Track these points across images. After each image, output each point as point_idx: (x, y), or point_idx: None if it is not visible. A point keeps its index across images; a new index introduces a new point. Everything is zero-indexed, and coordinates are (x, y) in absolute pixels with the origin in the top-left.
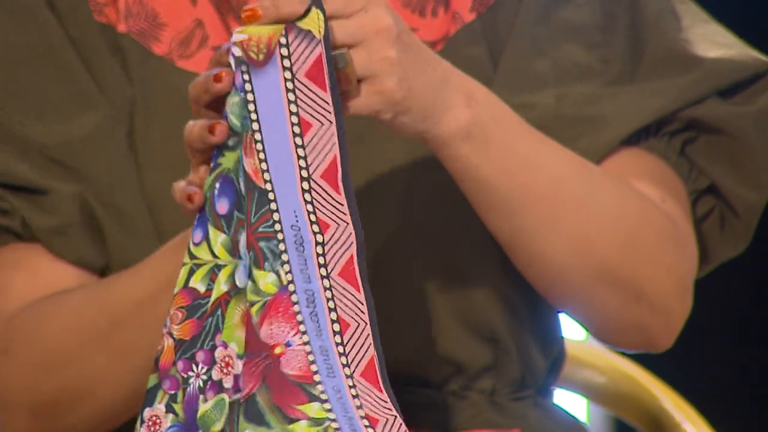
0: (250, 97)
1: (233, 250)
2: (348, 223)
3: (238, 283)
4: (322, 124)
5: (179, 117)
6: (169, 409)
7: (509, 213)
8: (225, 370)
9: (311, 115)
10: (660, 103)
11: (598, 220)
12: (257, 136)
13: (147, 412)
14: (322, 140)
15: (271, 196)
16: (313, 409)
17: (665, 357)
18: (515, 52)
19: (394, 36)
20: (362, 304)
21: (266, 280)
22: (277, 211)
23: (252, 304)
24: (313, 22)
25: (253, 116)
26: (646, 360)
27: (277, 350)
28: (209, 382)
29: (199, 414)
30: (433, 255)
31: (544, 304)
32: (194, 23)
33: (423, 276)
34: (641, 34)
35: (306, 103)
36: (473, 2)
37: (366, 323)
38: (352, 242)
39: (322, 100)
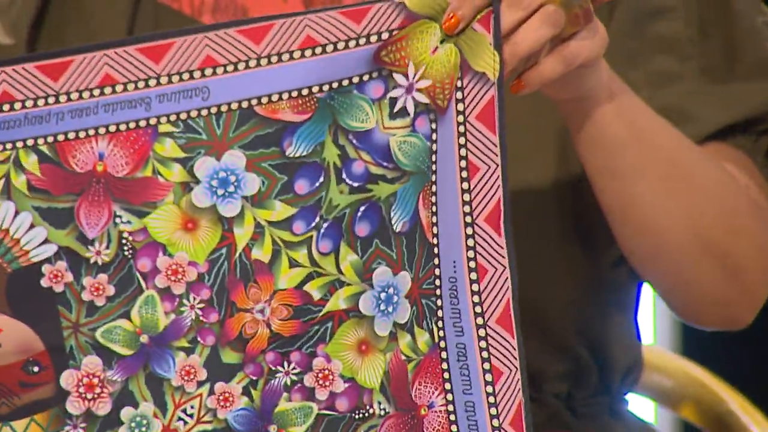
0: (434, 147)
1: (363, 275)
2: (505, 267)
3: (363, 311)
4: (489, 167)
5: None
6: (246, 392)
7: (632, 180)
8: (321, 382)
9: (479, 158)
10: (750, 104)
11: (706, 195)
12: (434, 188)
13: (220, 386)
14: (488, 184)
15: (435, 250)
16: None
17: (733, 360)
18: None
19: None
20: (515, 349)
21: (422, 339)
22: (438, 266)
23: (409, 361)
24: (487, 64)
25: (434, 167)
26: (713, 363)
27: (422, 411)
28: (298, 384)
29: (277, 409)
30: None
31: (622, 312)
32: None
33: None
34: (735, 44)
35: (475, 146)
36: None
37: (517, 368)
38: (508, 287)
39: (491, 142)
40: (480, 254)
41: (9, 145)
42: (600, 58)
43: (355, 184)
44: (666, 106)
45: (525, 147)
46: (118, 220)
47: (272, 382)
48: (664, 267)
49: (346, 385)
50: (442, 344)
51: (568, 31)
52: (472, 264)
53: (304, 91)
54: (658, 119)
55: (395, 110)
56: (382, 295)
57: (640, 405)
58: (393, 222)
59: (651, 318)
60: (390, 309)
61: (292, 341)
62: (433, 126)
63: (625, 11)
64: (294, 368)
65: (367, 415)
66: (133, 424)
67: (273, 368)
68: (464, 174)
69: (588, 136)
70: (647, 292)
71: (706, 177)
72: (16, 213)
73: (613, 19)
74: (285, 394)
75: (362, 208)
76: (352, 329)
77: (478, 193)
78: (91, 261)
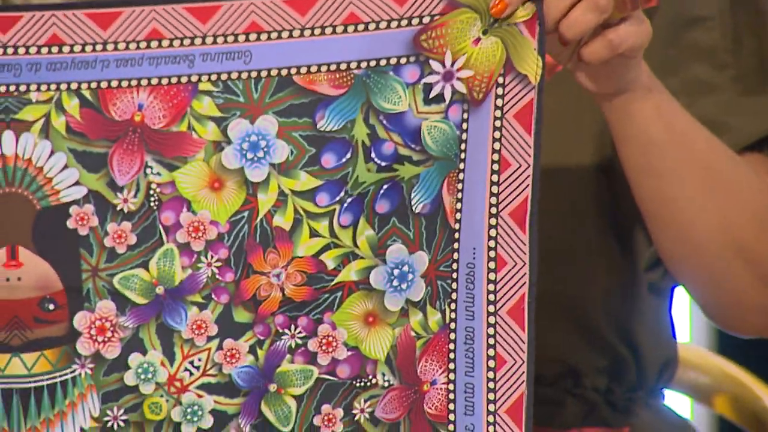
0: (464, 136)
1: (377, 250)
2: (525, 263)
3: (374, 284)
4: (520, 165)
5: None
6: (252, 350)
7: (668, 180)
8: (324, 348)
9: (511, 154)
10: None
11: (741, 199)
12: (461, 176)
13: (228, 343)
14: (517, 180)
15: (456, 235)
16: None
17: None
18: None
19: None
20: (524, 342)
21: (434, 318)
22: (457, 250)
23: (419, 338)
24: (531, 68)
25: (462, 155)
26: (749, 361)
27: (425, 387)
28: (302, 348)
29: (279, 369)
30: (546, 263)
31: (658, 310)
32: None
33: (541, 280)
34: None
35: (509, 143)
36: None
37: (523, 361)
38: (525, 282)
39: (525, 142)
40: (501, 246)
41: (53, 86)
42: (643, 47)
43: (383, 164)
44: (702, 116)
45: (566, 145)
46: (148, 170)
47: (277, 343)
48: (697, 269)
49: (350, 353)
50: (452, 326)
51: (615, 17)
52: (492, 254)
53: (343, 66)
54: (694, 123)
55: (431, 96)
56: (395, 271)
57: (676, 401)
58: (413, 203)
59: (687, 317)
60: (404, 286)
61: (301, 306)
62: (465, 116)
63: (664, 19)
64: (300, 332)
65: (369, 384)
66: (139, 370)
67: (280, 330)
68: (495, 167)
69: (627, 134)
70: (682, 292)
71: (741, 183)
72: (52, 153)
73: (651, 26)
74: (288, 356)
75: (385, 187)
76: (360, 301)
77: (507, 187)
78: (118, 208)
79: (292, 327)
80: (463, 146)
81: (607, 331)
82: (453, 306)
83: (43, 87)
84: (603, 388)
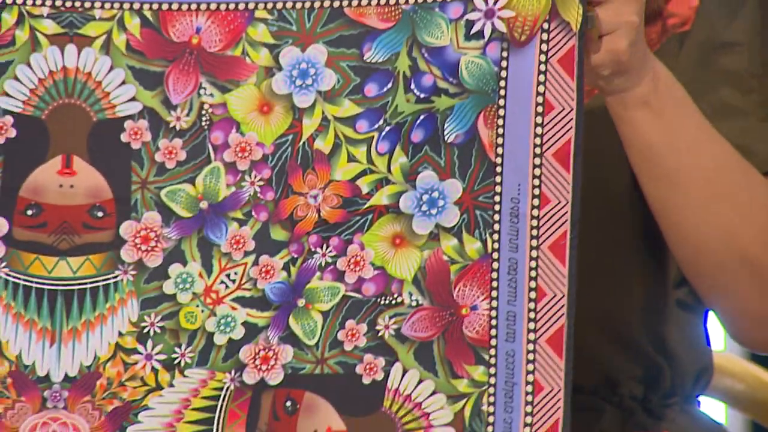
0: (503, 73)
1: (409, 176)
2: (568, 201)
3: (403, 208)
4: (563, 108)
5: None
6: (286, 267)
7: (669, 187)
8: (352, 267)
9: (555, 98)
10: None
11: (749, 210)
12: (501, 112)
13: (264, 259)
14: (561, 123)
15: (498, 169)
16: (478, 372)
17: None
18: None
19: (640, 5)
20: (564, 277)
21: (472, 246)
22: (500, 184)
23: (453, 262)
24: (572, 16)
25: (502, 92)
26: None
27: (464, 311)
28: (331, 267)
29: (308, 286)
30: (586, 278)
31: (692, 319)
32: None
33: (577, 291)
34: None
35: (553, 87)
36: None
37: (564, 295)
38: (566, 219)
39: (568, 86)
40: (545, 184)
41: (117, 5)
42: (610, 70)
43: (422, 95)
44: (727, 139)
45: (604, 167)
46: (202, 91)
47: (309, 261)
48: (703, 278)
49: (376, 272)
50: (495, 255)
51: None
52: (536, 191)
53: (392, 1)
54: (706, 133)
55: (471, 32)
56: (425, 197)
57: (711, 407)
58: (446, 132)
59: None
60: (433, 211)
61: (334, 227)
62: (504, 54)
63: (694, 44)
64: (331, 251)
65: (394, 302)
66: (178, 280)
67: (313, 249)
68: (539, 109)
69: (625, 138)
70: None
71: (752, 192)
72: (111, 68)
73: (682, 50)
74: (318, 274)
75: (421, 117)
76: (389, 223)
77: (551, 129)
78: (171, 125)
79: (324, 246)
80: (502, 83)
81: (644, 342)
82: (496, 237)
83: (107, 5)
84: (640, 396)
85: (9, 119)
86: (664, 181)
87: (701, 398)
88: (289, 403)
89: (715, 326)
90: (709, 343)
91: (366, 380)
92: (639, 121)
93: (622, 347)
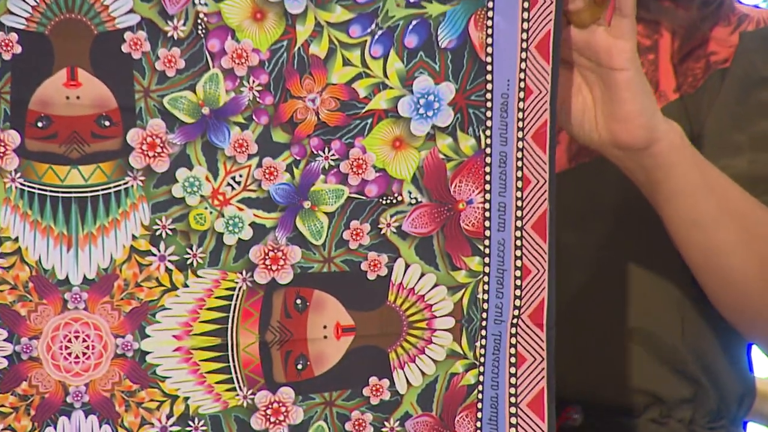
0: None
1: (405, 81)
2: (547, 91)
3: (401, 112)
4: (545, 1)
5: None
6: (289, 169)
7: (712, 229)
8: (355, 170)
9: None
10: None
11: None
12: (489, 14)
13: (267, 161)
14: (543, 15)
15: (488, 68)
16: (474, 262)
17: None
18: (715, 128)
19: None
20: (545, 164)
21: (467, 143)
22: (491, 81)
23: (449, 160)
24: None
25: None
26: None
27: (460, 206)
28: (335, 170)
29: (313, 188)
30: (637, 303)
31: (735, 343)
32: None
33: (624, 315)
34: None
35: None
36: (678, 84)
37: (545, 180)
38: (546, 109)
39: None
40: (529, 77)
41: None
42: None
43: (412, 0)
44: (765, 173)
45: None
46: (197, 1)
47: (312, 164)
48: (747, 315)
49: (377, 174)
50: (488, 150)
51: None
52: (522, 84)
53: None
54: (724, 175)
55: None
56: (421, 101)
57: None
58: (439, 38)
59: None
60: (430, 113)
61: (334, 131)
62: None
63: (735, 79)
64: (333, 155)
65: (394, 201)
66: (186, 183)
67: (315, 152)
68: (525, 5)
69: (671, 186)
70: None
71: None
72: None
73: (723, 85)
74: (322, 176)
75: (414, 23)
76: (389, 127)
77: (534, 22)
78: (168, 35)
79: (326, 150)
80: None
81: (690, 364)
82: (488, 133)
83: None
84: (687, 419)
85: (14, 36)
86: (708, 225)
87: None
88: (299, 301)
89: (758, 354)
90: (751, 368)
91: (371, 276)
92: (682, 163)
93: (670, 369)
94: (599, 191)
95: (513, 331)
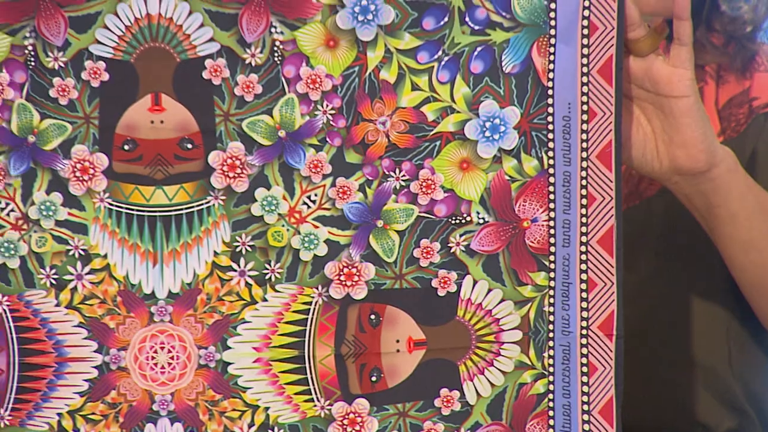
0: (552, 5)
1: (471, 105)
2: (611, 113)
3: (468, 135)
4: (606, 27)
5: None
6: (361, 188)
7: (761, 249)
8: (424, 190)
9: (599, 18)
10: None
11: None
12: (552, 41)
13: (341, 181)
14: (604, 41)
15: (550, 92)
16: (540, 277)
17: None
18: (762, 169)
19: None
20: (612, 182)
21: (530, 164)
22: (552, 105)
23: (513, 180)
24: None
25: (552, 22)
26: None
27: (525, 224)
28: (405, 190)
29: (385, 207)
30: (681, 321)
31: None
32: None
33: (672, 344)
34: None
35: (596, 8)
36: (722, 128)
37: (612, 198)
38: (610, 130)
39: (610, 7)
40: (592, 100)
41: None
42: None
43: (476, 28)
44: None
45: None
46: (273, 30)
47: (384, 184)
48: None
49: (446, 194)
50: (551, 171)
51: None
52: (585, 107)
53: None
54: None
55: None
56: (487, 124)
57: None
58: (503, 64)
59: None
60: (496, 136)
61: (404, 152)
62: None
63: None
64: (404, 175)
65: (464, 221)
66: (264, 202)
67: (386, 173)
68: (585, 32)
69: (728, 208)
70: None
71: None
72: (190, 13)
73: (766, 126)
74: (393, 196)
75: (479, 49)
76: (456, 149)
77: (594, 48)
78: (246, 62)
79: (397, 170)
80: (552, 14)
81: (738, 393)
82: (551, 154)
83: None
84: None
85: (102, 64)
86: (760, 244)
87: None
88: (373, 316)
89: None
90: None
91: (441, 292)
92: (738, 185)
93: (718, 398)
94: (647, 230)
95: (583, 341)
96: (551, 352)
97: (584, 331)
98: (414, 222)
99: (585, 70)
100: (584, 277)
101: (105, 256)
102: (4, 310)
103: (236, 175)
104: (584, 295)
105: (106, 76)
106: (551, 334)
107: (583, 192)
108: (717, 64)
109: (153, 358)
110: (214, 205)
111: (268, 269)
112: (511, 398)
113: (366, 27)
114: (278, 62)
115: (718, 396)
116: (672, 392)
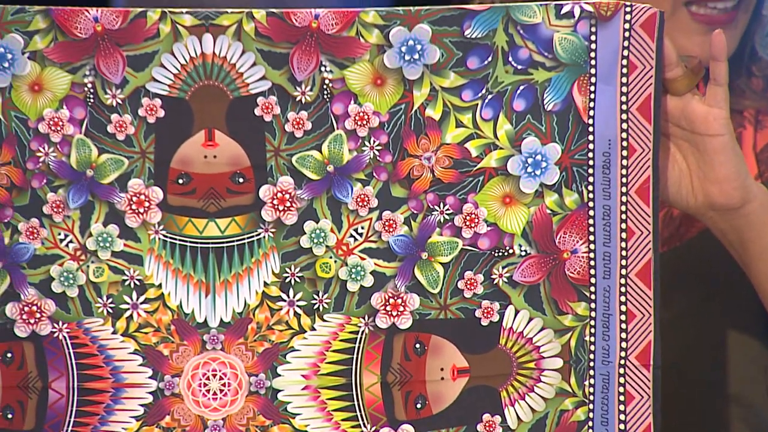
0: (593, 46)
1: (514, 142)
2: (650, 149)
3: (510, 171)
4: (644, 66)
5: None
6: (407, 222)
7: None
8: (468, 224)
9: (637, 58)
10: None
11: None
12: (592, 80)
13: (386, 214)
14: (643, 80)
15: (590, 129)
16: (580, 308)
17: None
18: None
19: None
20: (649, 216)
21: (570, 198)
22: (593, 141)
23: (554, 214)
24: None
25: (593, 62)
26: None
27: (565, 255)
28: (449, 223)
29: (430, 240)
30: (714, 347)
31: None
32: None
33: (710, 381)
34: None
35: (636, 48)
36: (760, 171)
37: (649, 232)
38: (648, 166)
39: (648, 47)
40: (631, 137)
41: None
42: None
43: (519, 67)
44: None
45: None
46: (323, 68)
47: (429, 217)
48: None
49: (489, 228)
50: (591, 204)
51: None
52: (624, 144)
53: None
54: None
55: (561, 12)
56: (529, 160)
57: None
58: (545, 102)
59: None
60: (537, 172)
61: (449, 187)
62: (593, 29)
63: None
64: (448, 209)
65: (506, 254)
66: (313, 235)
67: (431, 207)
68: (624, 71)
69: (762, 243)
70: None
71: None
72: (243, 52)
73: None
74: (437, 229)
75: (521, 87)
76: (499, 184)
77: (633, 87)
78: (297, 99)
79: (441, 204)
80: (592, 54)
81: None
82: (590, 188)
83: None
84: None
85: (158, 101)
86: None
87: None
88: (418, 345)
89: None
90: None
91: (484, 322)
92: (765, 223)
93: (750, 427)
94: (686, 270)
95: (621, 371)
96: (591, 381)
97: (623, 361)
98: (458, 255)
99: (624, 108)
100: (624, 308)
101: (159, 286)
102: (64, 337)
103: (286, 208)
104: (623, 326)
105: (161, 113)
106: (592, 363)
107: (623, 226)
108: (755, 109)
109: (205, 384)
110: (264, 237)
111: (316, 299)
112: (553, 423)
113: (412, 66)
114: (327, 100)
115: (756, 429)
116: (710, 427)
